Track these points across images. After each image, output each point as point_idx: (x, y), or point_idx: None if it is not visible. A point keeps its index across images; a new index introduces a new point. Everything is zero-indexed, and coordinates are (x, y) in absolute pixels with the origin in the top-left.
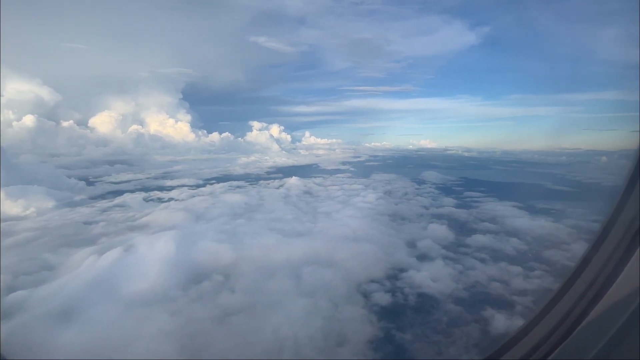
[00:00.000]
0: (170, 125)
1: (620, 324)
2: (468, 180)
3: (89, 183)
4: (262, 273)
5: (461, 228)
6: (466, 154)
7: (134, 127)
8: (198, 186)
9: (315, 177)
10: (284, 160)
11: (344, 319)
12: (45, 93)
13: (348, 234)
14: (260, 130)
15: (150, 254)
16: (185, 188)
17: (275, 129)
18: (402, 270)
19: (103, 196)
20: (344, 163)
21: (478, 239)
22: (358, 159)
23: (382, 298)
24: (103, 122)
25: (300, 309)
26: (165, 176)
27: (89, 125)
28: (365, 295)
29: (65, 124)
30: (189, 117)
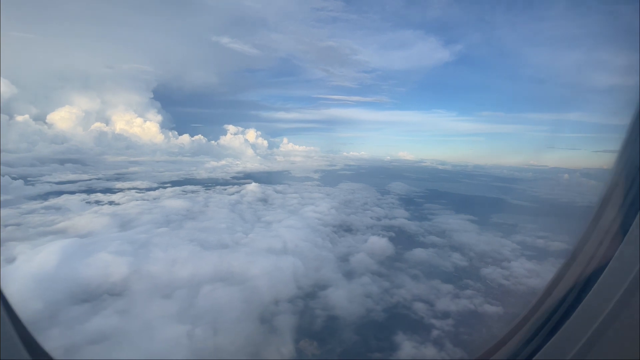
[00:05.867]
0: (138, 125)
1: (601, 322)
2: (434, 192)
3: (27, 182)
4: (152, 292)
5: (405, 241)
6: (440, 167)
7: (97, 124)
8: (149, 189)
9: (280, 184)
10: (255, 165)
11: (219, 350)
12: None
13: (277, 247)
14: (235, 134)
15: (27, 267)
16: (134, 191)
17: (251, 134)
18: (322, 288)
19: (40, 197)
20: (316, 171)
21: (418, 253)
22: (332, 168)
23: (283, 322)
24: (62, 118)
25: (168, 339)
26: (118, 178)
27: (46, 120)
28: (264, 318)
29: (19, 118)
30: (159, 118)
